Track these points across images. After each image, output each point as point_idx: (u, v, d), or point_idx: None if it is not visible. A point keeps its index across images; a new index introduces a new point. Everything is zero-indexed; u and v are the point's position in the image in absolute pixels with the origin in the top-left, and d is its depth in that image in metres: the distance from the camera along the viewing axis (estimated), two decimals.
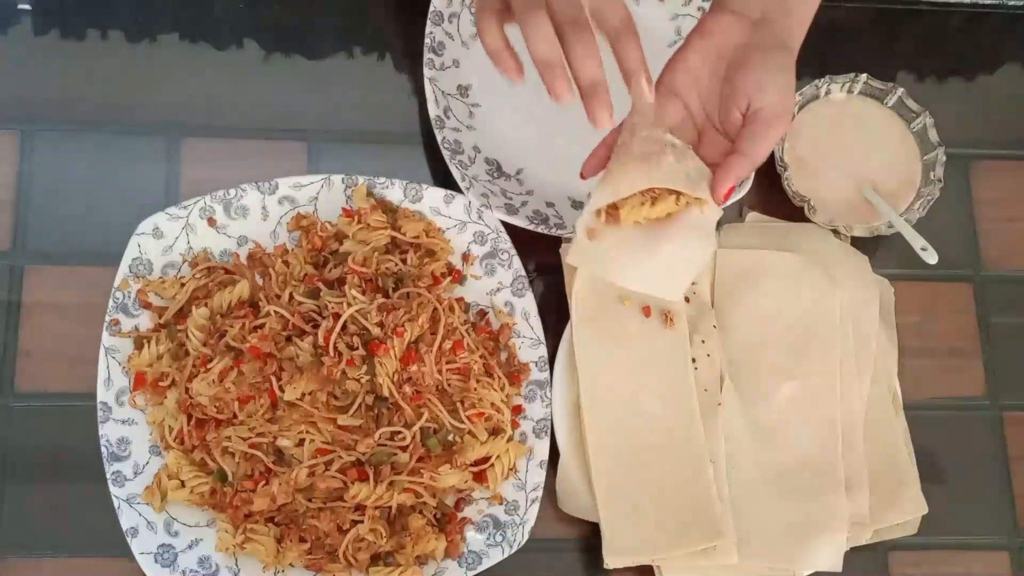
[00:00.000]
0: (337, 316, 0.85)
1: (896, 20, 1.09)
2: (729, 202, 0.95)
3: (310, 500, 0.85)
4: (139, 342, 0.89)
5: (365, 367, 0.85)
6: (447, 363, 0.88)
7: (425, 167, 0.99)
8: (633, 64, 0.77)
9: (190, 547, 0.85)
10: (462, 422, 0.87)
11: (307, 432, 0.85)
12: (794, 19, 0.82)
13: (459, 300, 0.92)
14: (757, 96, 0.79)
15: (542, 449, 0.89)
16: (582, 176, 0.82)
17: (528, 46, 0.74)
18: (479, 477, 0.88)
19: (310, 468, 0.84)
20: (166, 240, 0.91)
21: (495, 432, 0.89)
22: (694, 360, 0.93)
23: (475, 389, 0.88)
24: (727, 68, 0.81)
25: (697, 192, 0.78)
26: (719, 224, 0.99)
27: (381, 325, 0.86)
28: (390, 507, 0.85)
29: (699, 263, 0.83)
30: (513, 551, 0.86)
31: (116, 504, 0.84)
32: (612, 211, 0.79)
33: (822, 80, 1.00)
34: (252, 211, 0.93)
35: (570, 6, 0.74)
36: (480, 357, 0.89)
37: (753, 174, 0.96)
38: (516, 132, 1.00)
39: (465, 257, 0.94)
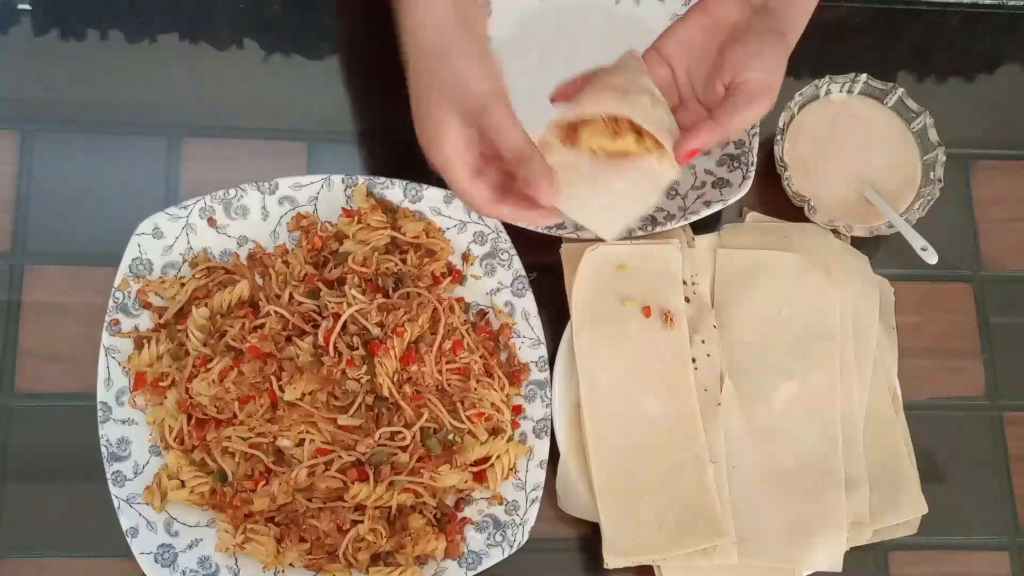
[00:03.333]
0: (337, 316, 0.86)
1: (896, 20, 1.09)
2: (731, 201, 0.95)
3: (310, 500, 0.85)
4: (139, 342, 0.89)
5: (365, 367, 0.85)
6: (447, 363, 0.88)
7: (425, 167, 0.99)
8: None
9: (190, 547, 0.85)
10: (462, 422, 0.87)
11: (307, 432, 0.85)
12: (795, 9, 0.82)
13: (459, 300, 0.92)
14: (742, 71, 0.80)
15: (542, 449, 0.89)
16: (551, 100, 0.82)
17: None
18: (479, 477, 0.88)
19: (310, 468, 0.84)
20: (166, 240, 0.91)
21: (495, 432, 0.89)
22: (694, 360, 0.93)
23: (475, 389, 0.88)
24: (720, 45, 0.82)
25: (661, 136, 0.78)
26: (719, 224, 0.99)
27: (381, 325, 0.86)
28: (390, 507, 0.85)
29: (640, 210, 0.82)
30: (513, 551, 0.86)
31: (116, 504, 0.84)
32: (572, 133, 0.79)
33: (822, 80, 1.00)
34: (252, 211, 0.93)
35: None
36: (480, 357, 0.89)
37: (753, 174, 0.96)
38: None
39: (465, 257, 0.94)
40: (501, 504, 0.88)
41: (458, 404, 0.88)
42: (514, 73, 0.80)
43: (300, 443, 0.85)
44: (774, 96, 0.81)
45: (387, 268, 0.90)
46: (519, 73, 0.80)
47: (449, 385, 0.88)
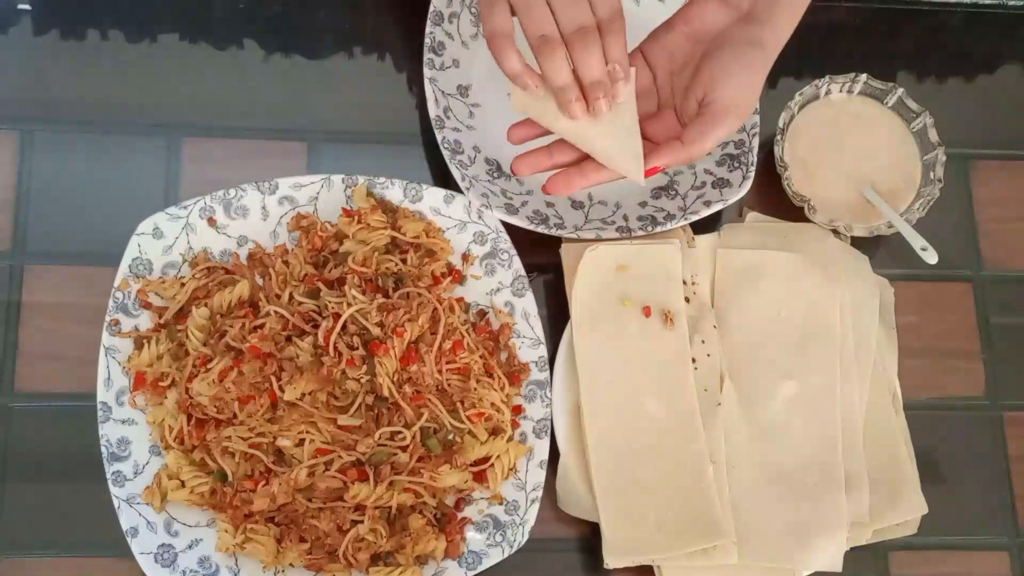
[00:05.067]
0: (337, 316, 0.86)
1: (896, 20, 1.09)
2: (731, 201, 0.95)
3: (310, 500, 0.85)
4: (139, 342, 0.89)
5: (365, 367, 0.85)
6: (447, 363, 0.88)
7: (425, 167, 0.99)
8: (614, 58, 0.78)
9: (190, 547, 0.85)
10: (462, 422, 0.87)
11: (307, 432, 0.85)
12: (780, 15, 0.82)
13: (459, 300, 0.92)
14: (711, 88, 0.80)
15: (542, 449, 0.89)
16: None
17: (545, 75, 0.77)
18: (479, 477, 0.88)
19: (310, 468, 0.84)
20: (166, 240, 0.91)
21: (495, 432, 0.89)
22: (694, 360, 0.93)
23: (475, 389, 0.88)
24: (701, 55, 0.81)
25: (612, 164, 0.80)
26: (719, 224, 0.99)
27: (381, 325, 0.86)
28: (390, 507, 0.85)
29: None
30: (513, 551, 0.86)
31: (116, 504, 0.84)
32: None
33: (822, 80, 1.00)
34: (252, 211, 0.93)
35: (575, 18, 0.76)
36: (480, 357, 0.89)
37: (753, 174, 0.96)
38: None
39: (465, 257, 0.94)
40: (501, 504, 0.88)
41: (458, 404, 0.88)
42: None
43: (300, 443, 0.85)
44: (743, 113, 0.81)
45: (387, 268, 0.90)
46: None
47: (449, 385, 0.88)
